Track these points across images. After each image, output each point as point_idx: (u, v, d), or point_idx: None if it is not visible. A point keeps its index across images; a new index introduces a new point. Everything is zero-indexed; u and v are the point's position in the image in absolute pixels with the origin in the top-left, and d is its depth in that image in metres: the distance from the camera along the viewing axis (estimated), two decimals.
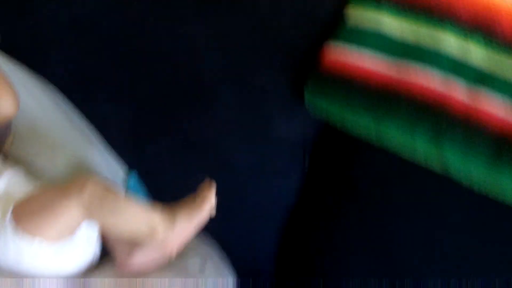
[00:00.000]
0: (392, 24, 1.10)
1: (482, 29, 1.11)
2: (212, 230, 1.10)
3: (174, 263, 1.03)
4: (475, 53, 1.10)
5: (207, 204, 0.97)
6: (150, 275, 1.00)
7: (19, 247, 0.93)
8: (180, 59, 1.24)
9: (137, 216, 0.94)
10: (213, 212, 0.99)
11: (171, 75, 1.24)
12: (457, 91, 1.09)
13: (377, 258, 1.18)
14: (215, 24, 1.22)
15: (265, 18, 1.21)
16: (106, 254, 1.04)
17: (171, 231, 0.95)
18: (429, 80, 1.10)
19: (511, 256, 1.11)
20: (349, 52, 1.13)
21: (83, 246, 1.00)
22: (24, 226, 0.92)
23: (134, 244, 0.99)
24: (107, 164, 1.23)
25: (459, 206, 1.14)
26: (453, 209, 1.14)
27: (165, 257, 1.01)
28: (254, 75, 1.23)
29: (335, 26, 1.17)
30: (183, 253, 1.03)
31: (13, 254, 0.94)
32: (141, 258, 1.01)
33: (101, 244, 1.04)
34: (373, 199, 1.19)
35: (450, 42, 1.11)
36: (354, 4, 1.16)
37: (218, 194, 1.10)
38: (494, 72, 1.09)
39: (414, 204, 1.16)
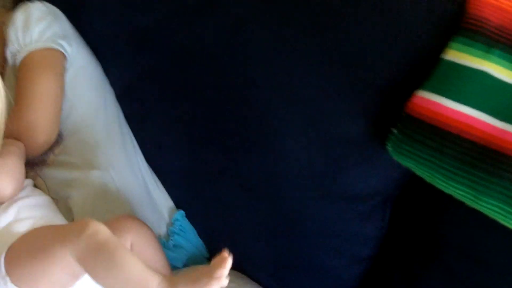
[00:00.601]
0: (502, 73, 0.95)
1: None
2: None
3: None
4: None
5: (216, 282, 0.83)
6: None
7: None
8: (246, 93, 1.08)
9: (132, 278, 0.80)
10: None
11: (234, 110, 1.09)
12: None
13: None
14: (292, 54, 1.05)
15: (350, 53, 1.00)
16: None
17: None
18: None
19: None
20: (445, 100, 0.91)
21: None
22: (14, 277, 0.82)
23: None
24: (151, 196, 1.14)
25: None
26: None
27: None
28: (328, 118, 1.03)
29: (430, 69, 0.95)
30: None
31: None
32: None
33: None
34: (462, 263, 1.00)
35: None
36: (456, 47, 0.93)
37: (281, 253, 1.04)
38: None
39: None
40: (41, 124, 1.03)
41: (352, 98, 1.01)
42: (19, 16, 1.09)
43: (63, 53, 1.10)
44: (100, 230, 0.82)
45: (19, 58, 1.07)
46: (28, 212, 0.92)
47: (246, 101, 1.06)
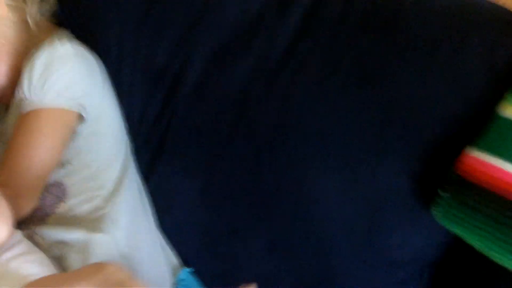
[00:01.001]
0: None
1: None
2: None
3: None
4: None
5: None
6: None
7: None
8: (281, 145, 0.98)
9: None
10: None
11: (267, 163, 0.99)
12: None
13: None
14: (335, 106, 0.96)
15: (396, 107, 0.91)
16: None
17: None
18: None
19: None
20: (503, 162, 0.80)
21: None
22: None
23: None
24: (157, 256, 1.04)
25: None
26: None
27: None
28: (370, 176, 0.93)
29: (482, 125, 0.86)
30: None
31: None
32: None
33: None
34: None
35: None
36: None
37: None
38: None
39: None
40: (24, 193, 0.92)
41: (397, 154, 0.92)
42: (41, 57, 0.96)
43: (79, 114, 0.99)
44: (118, 269, 0.74)
45: (26, 107, 0.96)
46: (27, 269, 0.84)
47: (280, 154, 0.97)
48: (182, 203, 1.06)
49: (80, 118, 0.98)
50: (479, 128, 0.85)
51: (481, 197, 0.83)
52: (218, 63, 1.01)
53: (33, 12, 1.00)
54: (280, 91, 0.97)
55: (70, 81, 0.97)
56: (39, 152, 0.94)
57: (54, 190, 0.97)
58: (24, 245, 0.87)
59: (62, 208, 0.96)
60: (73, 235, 0.94)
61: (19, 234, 0.88)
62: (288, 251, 1.02)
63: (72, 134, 0.98)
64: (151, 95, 1.06)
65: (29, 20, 1.00)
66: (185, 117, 1.03)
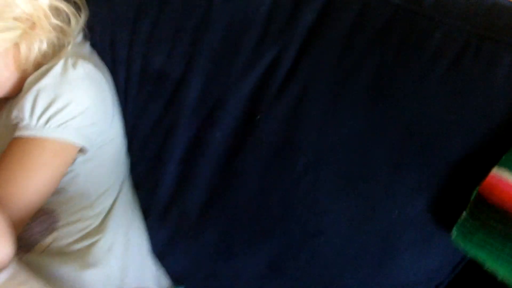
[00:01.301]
0: None
1: None
2: None
3: None
4: None
5: None
6: None
7: None
8: (291, 168, 0.91)
9: None
10: None
11: (280, 195, 0.92)
12: None
13: None
14: (348, 122, 0.90)
15: (412, 123, 0.85)
16: None
17: None
18: None
19: None
20: None
21: None
22: None
23: None
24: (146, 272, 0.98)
25: None
26: None
27: None
28: (384, 194, 0.88)
29: (508, 144, 0.81)
30: None
31: None
32: None
33: None
34: None
35: None
36: None
37: None
38: None
39: None
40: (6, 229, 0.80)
41: (414, 173, 0.86)
42: (50, 81, 0.85)
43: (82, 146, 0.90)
44: None
45: (26, 133, 0.85)
46: None
47: (288, 173, 0.90)
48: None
49: (83, 148, 0.90)
50: (504, 148, 0.81)
51: (508, 220, 0.79)
52: (222, 72, 0.95)
53: (73, 35, 0.92)
54: (289, 105, 0.91)
55: (78, 111, 0.87)
56: (34, 183, 0.84)
57: (45, 218, 0.89)
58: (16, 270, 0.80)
59: (51, 237, 0.88)
60: (62, 269, 0.86)
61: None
62: (290, 275, 0.96)
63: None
64: (149, 101, 0.99)
65: (66, 43, 0.91)
66: (186, 128, 0.97)
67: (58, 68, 0.87)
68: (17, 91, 0.89)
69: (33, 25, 0.87)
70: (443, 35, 0.86)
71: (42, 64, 0.89)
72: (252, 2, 0.93)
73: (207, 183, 0.94)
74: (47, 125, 0.84)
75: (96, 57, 0.96)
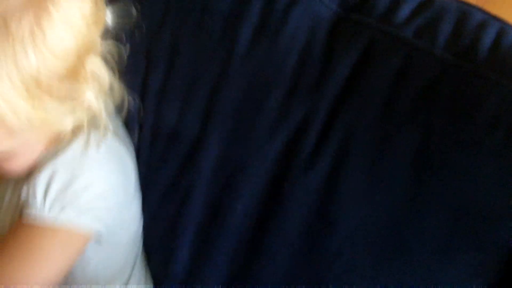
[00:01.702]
0: None
1: None
2: None
3: None
4: None
5: None
6: None
7: None
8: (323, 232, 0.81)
9: None
10: None
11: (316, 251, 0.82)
12: None
13: None
14: (387, 193, 0.79)
15: (467, 201, 0.74)
16: None
17: None
18: None
19: None
20: None
21: None
22: None
23: None
24: None
25: None
26: None
27: None
28: (424, 275, 0.77)
29: None
30: None
31: None
32: None
33: None
34: None
35: None
36: None
37: None
38: None
39: None
40: None
41: (465, 256, 0.75)
42: (68, 162, 0.74)
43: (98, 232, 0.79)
44: None
45: (35, 219, 0.73)
46: None
47: (319, 258, 0.80)
48: None
49: (98, 233, 0.78)
50: None
51: None
52: (244, 132, 0.84)
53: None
54: (320, 173, 0.80)
55: (96, 196, 0.75)
56: (42, 276, 0.74)
57: None
58: None
59: None
60: None
61: None
62: None
63: None
64: (162, 163, 0.88)
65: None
66: (203, 195, 0.85)
67: (78, 144, 0.75)
68: None
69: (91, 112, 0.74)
70: (500, 99, 0.75)
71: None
72: (278, 54, 0.82)
73: (228, 261, 0.84)
74: (62, 211, 0.73)
75: (121, 131, 0.84)
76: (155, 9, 0.87)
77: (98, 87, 0.73)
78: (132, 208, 0.85)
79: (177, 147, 0.86)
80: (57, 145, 0.75)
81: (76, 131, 0.76)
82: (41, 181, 0.73)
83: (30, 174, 0.75)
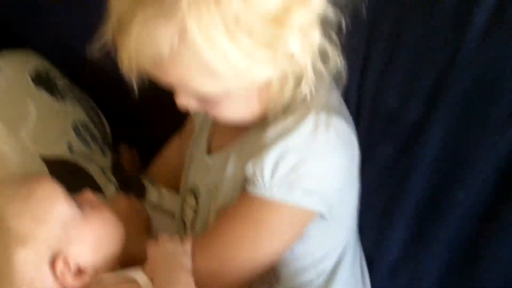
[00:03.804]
0: None
1: None
2: None
3: None
4: None
5: None
6: None
7: None
8: None
9: None
10: None
11: None
12: None
13: None
14: None
15: None
16: None
17: None
18: None
19: None
20: None
21: None
22: None
23: None
24: None
25: None
26: None
27: None
28: None
29: None
30: None
31: None
32: None
33: None
34: None
35: None
36: None
37: None
38: None
39: None
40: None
41: None
42: (297, 144, 0.74)
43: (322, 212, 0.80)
44: None
45: (261, 193, 0.75)
46: None
47: None
48: None
49: (322, 213, 0.80)
50: None
51: None
52: (472, 123, 0.79)
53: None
54: None
55: (324, 179, 0.76)
56: (265, 251, 0.78)
57: (265, 275, 0.82)
58: None
59: None
60: None
61: None
62: None
63: None
64: (379, 143, 0.87)
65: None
66: (421, 182, 0.83)
67: (308, 125, 0.74)
68: (255, 122, 0.80)
69: (295, 66, 0.74)
70: None
71: (286, 106, 0.78)
72: None
73: (446, 252, 0.83)
74: (290, 191, 0.75)
75: (345, 109, 0.82)
76: None
77: (306, 44, 0.71)
78: (354, 188, 0.85)
79: (396, 130, 0.84)
80: (286, 124, 0.75)
81: (293, 105, 0.77)
82: (270, 159, 0.74)
83: (257, 149, 0.77)
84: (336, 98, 0.82)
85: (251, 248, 0.78)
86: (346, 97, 0.84)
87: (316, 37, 0.72)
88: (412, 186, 0.85)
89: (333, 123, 0.76)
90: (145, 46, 0.68)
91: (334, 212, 0.80)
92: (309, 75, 0.73)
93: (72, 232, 0.75)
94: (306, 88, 0.74)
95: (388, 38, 0.82)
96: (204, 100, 0.75)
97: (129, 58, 0.69)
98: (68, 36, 1.08)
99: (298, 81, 0.75)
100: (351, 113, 0.84)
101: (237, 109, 0.78)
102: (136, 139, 1.15)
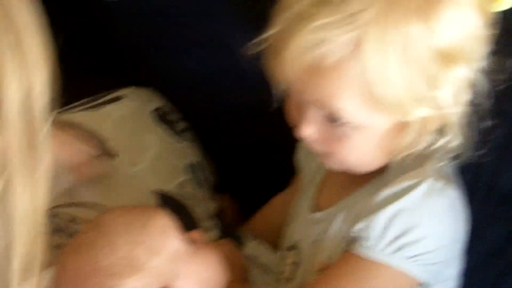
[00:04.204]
0: None
1: None
2: None
3: None
4: None
5: None
6: None
7: None
8: None
9: None
10: None
11: None
12: None
13: None
14: None
15: None
16: None
17: None
18: None
19: None
20: None
21: None
22: None
23: None
24: None
25: None
26: None
27: None
28: None
29: None
30: None
31: None
32: None
33: None
34: None
35: None
36: None
37: None
38: None
39: None
40: None
41: None
42: (416, 196, 0.73)
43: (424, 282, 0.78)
44: None
45: (369, 253, 0.75)
46: None
47: None
48: None
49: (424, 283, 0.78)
50: None
51: None
52: None
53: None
54: None
55: (433, 247, 0.74)
56: None
57: None
58: None
59: None
60: None
61: None
62: None
63: None
64: (490, 224, 0.85)
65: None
66: None
67: (422, 189, 0.73)
68: (370, 174, 0.79)
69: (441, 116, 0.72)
70: None
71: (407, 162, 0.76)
72: None
73: None
74: (396, 254, 0.74)
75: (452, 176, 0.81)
76: None
77: (458, 98, 0.71)
78: (455, 265, 0.83)
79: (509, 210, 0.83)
80: (399, 188, 0.74)
81: (412, 165, 0.75)
82: (380, 219, 0.74)
83: (366, 207, 0.76)
84: (448, 166, 0.80)
85: None
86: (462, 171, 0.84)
87: (465, 96, 0.72)
88: None
89: (448, 191, 0.75)
90: (314, 48, 0.67)
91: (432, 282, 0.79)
92: (453, 129, 0.73)
93: (180, 268, 0.77)
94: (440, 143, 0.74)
95: None
96: (334, 130, 0.74)
97: (289, 59, 0.68)
98: (193, 82, 1.13)
99: (438, 132, 0.74)
100: (466, 188, 0.83)
101: (363, 150, 0.76)
102: (240, 192, 1.18)
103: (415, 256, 0.74)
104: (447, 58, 0.68)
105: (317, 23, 0.66)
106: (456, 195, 0.77)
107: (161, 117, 1.12)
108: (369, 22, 0.65)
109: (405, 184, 0.74)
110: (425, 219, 0.73)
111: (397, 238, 0.73)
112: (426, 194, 0.73)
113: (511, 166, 0.82)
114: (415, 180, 0.74)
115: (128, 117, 1.09)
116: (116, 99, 1.11)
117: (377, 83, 0.67)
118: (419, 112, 0.71)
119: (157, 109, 1.13)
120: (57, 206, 0.89)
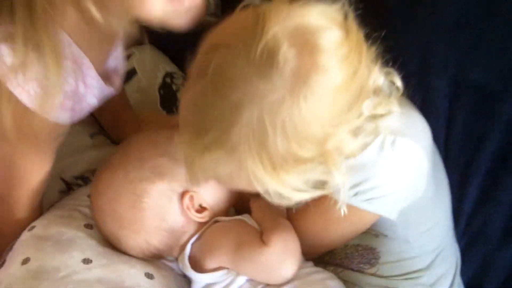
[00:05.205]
0: None
1: None
2: None
3: None
4: None
5: None
6: None
7: None
8: None
9: None
10: None
11: None
12: None
13: None
14: None
15: None
16: None
17: None
18: None
19: None
20: None
21: None
22: None
23: None
24: None
25: None
26: None
27: None
28: None
29: None
30: None
31: None
32: None
33: None
34: None
35: None
36: None
37: None
38: None
39: None
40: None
41: None
42: (370, 153, 0.79)
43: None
44: None
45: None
46: None
47: None
48: None
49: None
50: None
51: None
52: None
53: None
54: None
55: (387, 191, 0.82)
56: (331, 237, 0.89)
57: (367, 253, 0.93)
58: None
59: (373, 269, 0.93)
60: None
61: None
62: None
63: None
64: (461, 112, 0.98)
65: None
66: (498, 140, 0.96)
67: (374, 146, 0.79)
68: None
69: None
70: None
71: None
72: None
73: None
74: (353, 197, 0.82)
75: (411, 122, 0.84)
76: None
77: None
78: (429, 187, 0.88)
79: (478, 99, 0.96)
80: None
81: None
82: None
83: None
84: (400, 120, 0.82)
85: (320, 237, 0.89)
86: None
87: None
88: (487, 148, 0.97)
89: (399, 144, 0.79)
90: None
91: (413, 204, 0.87)
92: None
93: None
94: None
95: None
96: None
97: None
98: None
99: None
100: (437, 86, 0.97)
101: None
102: None
103: (371, 199, 0.82)
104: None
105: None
106: (410, 144, 0.81)
107: None
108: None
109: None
110: (377, 172, 0.80)
111: (352, 187, 0.80)
112: (378, 150, 0.79)
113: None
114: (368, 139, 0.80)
115: None
116: None
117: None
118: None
119: None
120: None
